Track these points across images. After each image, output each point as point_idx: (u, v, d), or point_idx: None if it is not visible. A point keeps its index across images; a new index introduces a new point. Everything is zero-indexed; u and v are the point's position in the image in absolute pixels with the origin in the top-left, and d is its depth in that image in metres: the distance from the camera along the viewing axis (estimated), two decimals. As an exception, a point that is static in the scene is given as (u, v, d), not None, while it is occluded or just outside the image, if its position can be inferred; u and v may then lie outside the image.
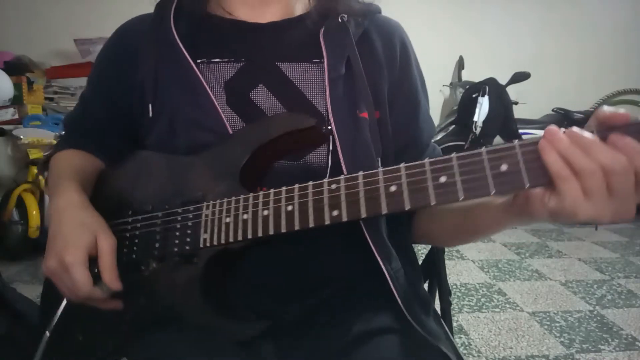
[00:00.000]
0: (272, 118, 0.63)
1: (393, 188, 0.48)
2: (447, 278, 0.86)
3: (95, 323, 0.65)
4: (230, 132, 0.62)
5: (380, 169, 0.49)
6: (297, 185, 0.54)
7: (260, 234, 0.54)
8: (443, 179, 0.45)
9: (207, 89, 0.64)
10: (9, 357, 0.68)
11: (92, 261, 0.58)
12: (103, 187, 0.71)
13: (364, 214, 0.50)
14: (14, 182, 2.72)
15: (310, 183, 0.53)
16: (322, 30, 0.67)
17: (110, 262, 0.59)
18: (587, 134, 0.41)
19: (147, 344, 0.61)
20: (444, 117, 3.59)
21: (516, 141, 0.43)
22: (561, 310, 2.06)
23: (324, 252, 0.63)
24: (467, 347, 1.74)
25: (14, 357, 0.66)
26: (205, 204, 0.59)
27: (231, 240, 0.56)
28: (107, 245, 0.59)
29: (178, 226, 0.60)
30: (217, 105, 0.63)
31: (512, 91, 3.20)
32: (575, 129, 0.42)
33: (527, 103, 3.40)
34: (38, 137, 2.48)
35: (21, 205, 2.51)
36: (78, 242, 0.58)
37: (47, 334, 0.60)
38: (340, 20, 0.67)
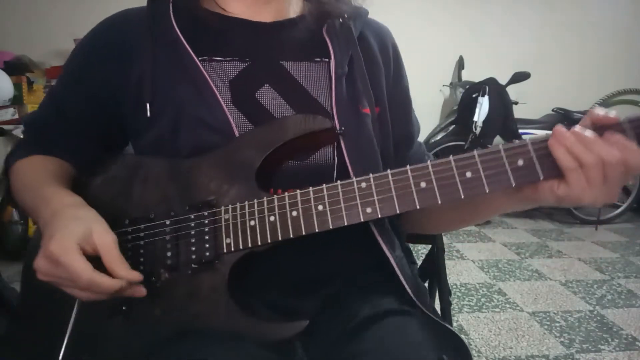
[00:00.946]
0: (286, 120, 0.61)
1: (423, 184, 0.52)
2: (447, 278, 0.86)
3: (106, 342, 0.60)
4: (236, 131, 0.61)
5: (408, 167, 0.53)
6: (324, 185, 0.55)
7: (291, 235, 0.55)
8: (469, 174, 0.50)
9: (213, 86, 0.62)
10: (9, 357, 0.67)
11: (93, 263, 0.52)
12: (87, 197, 0.62)
13: (397, 210, 0.53)
14: (14, 182, 2.72)
15: (339, 182, 0.55)
16: (325, 28, 0.68)
17: (117, 255, 0.53)
18: (588, 132, 0.48)
19: (167, 357, 0.55)
20: (444, 117, 3.57)
21: (527, 139, 0.49)
22: (561, 310, 2.06)
23: (333, 245, 0.63)
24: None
25: (14, 357, 0.66)
26: (223, 208, 0.58)
27: (260, 243, 0.56)
28: (109, 240, 0.54)
29: (192, 232, 0.58)
30: (222, 103, 0.62)
31: (512, 91, 3.21)
32: (578, 128, 0.49)
33: (527, 103, 3.40)
34: (38, 137, 2.48)
35: (21, 205, 2.51)
36: (64, 230, 0.52)
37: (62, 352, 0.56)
38: (341, 20, 0.68)
